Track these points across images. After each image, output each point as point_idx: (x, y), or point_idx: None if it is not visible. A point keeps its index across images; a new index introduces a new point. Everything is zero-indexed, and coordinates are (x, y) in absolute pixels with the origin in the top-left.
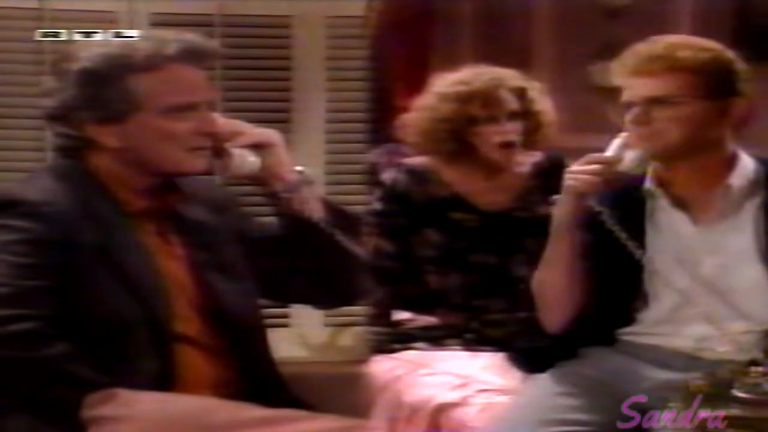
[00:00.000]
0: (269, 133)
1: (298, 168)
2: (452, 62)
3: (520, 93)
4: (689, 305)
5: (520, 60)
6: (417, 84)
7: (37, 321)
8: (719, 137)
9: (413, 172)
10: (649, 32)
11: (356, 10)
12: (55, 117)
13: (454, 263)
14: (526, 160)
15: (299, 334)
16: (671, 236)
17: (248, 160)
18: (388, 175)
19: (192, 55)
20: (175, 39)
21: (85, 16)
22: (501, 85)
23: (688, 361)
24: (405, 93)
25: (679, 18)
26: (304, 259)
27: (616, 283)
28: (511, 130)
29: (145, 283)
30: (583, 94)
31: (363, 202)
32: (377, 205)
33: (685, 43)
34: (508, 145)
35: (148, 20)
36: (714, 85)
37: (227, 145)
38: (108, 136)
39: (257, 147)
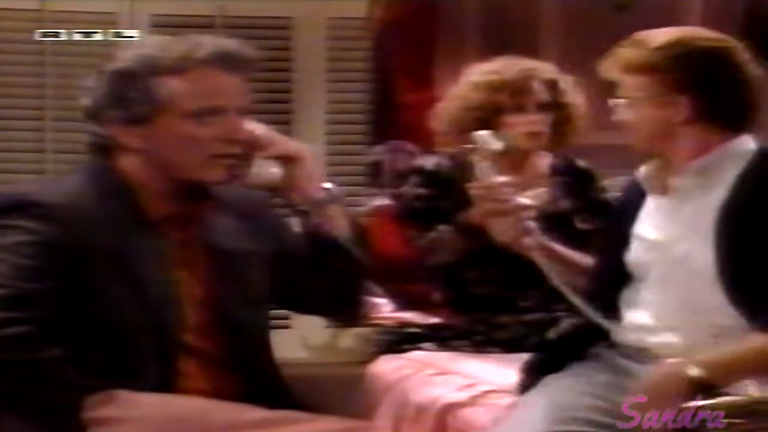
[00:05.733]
0: (298, 147)
1: (326, 185)
2: (457, 58)
3: (552, 85)
4: (663, 296)
5: (526, 56)
6: (421, 80)
7: (32, 324)
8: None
9: (453, 158)
10: (659, 26)
11: (357, 11)
12: (89, 116)
13: (492, 257)
14: (543, 161)
15: (300, 336)
16: (653, 221)
17: (267, 171)
18: (426, 161)
19: (224, 61)
20: (209, 43)
21: (86, 17)
22: (532, 76)
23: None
24: (408, 89)
25: (689, 12)
26: (323, 275)
27: (614, 282)
28: (539, 121)
29: (155, 291)
30: (591, 90)
31: (363, 203)
32: (417, 191)
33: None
34: (534, 135)
35: (148, 21)
36: None
37: (257, 154)
38: (132, 138)
39: (285, 159)
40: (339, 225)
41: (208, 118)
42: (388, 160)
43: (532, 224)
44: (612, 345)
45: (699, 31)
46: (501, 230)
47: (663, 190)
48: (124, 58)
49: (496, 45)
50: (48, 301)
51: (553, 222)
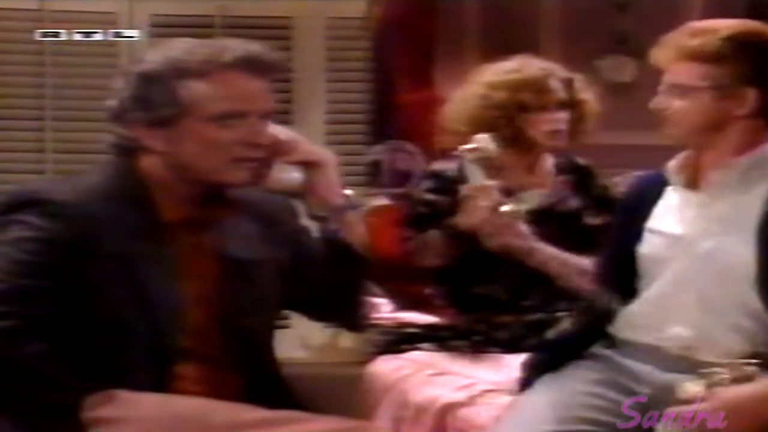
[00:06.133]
0: (322, 153)
1: (347, 191)
2: (456, 58)
3: (568, 83)
4: (679, 291)
5: (526, 55)
6: (420, 80)
7: (20, 319)
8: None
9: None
10: (659, 25)
11: (356, 10)
12: (113, 116)
13: (495, 257)
14: (549, 160)
15: (299, 336)
16: (676, 216)
17: (287, 176)
18: (444, 165)
19: (250, 65)
20: (235, 47)
21: (86, 17)
22: (551, 75)
23: (679, 361)
24: (408, 89)
25: (689, 10)
26: (336, 281)
27: (622, 277)
28: (560, 119)
29: (156, 295)
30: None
31: (362, 202)
32: (430, 196)
33: None
34: (556, 134)
35: (148, 21)
36: None
37: (280, 159)
38: (155, 140)
39: (307, 164)
40: (356, 232)
41: (231, 121)
42: (388, 160)
43: (523, 227)
44: (612, 344)
45: (755, 23)
46: (490, 233)
47: (692, 185)
48: (150, 60)
49: (496, 45)
50: (42, 299)
51: (564, 220)
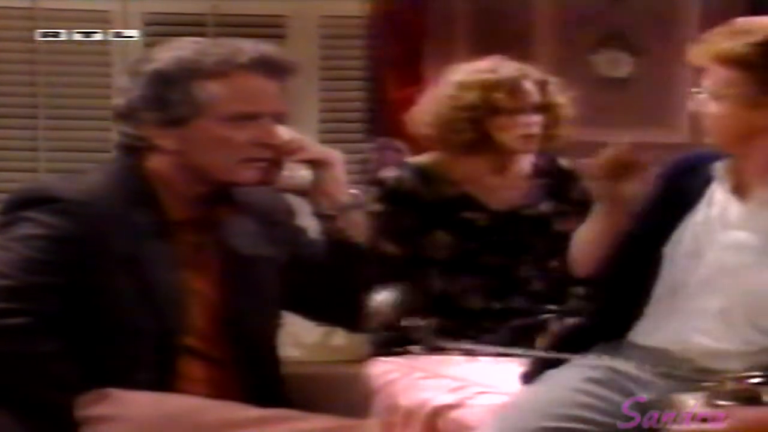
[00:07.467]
0: (328, 152)
1: (353, 191)
2: (447, 53)
3: (542, 86)
4: (703, 300)
5: (519, 50)
6: (409, 76)
7: (30, 317)
8: None
9: (418, 171)
10: (655, 20)
11: (350, 9)
12: (120, 115)
13: (464, 265)
14: (526, 161)
15: (292, 334)
16: (717, 220)
17: (296, 175)
18: (389, 174)
19: (264, 66)
20: (249, 48)
21: (80, 15)
22: (526, 76)
23: (687, 369)
24: (397, 86)
25: (686, 5)
26: (341, 282)
27: (636, 275)
28: (534, 122)
29: (162, 294)
30: (586, 85)
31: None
32: (378, 206)
33: None
34: (529, 138)
35: (142, 20)
36: None
37: (287, 159)
38: (167, 139)
39: (314, 163)
40: (362, 231)
41: (245, 122)
42: (376, 158)
43: None
44: (617, 344)
45: None
46: None
47: (738, 191)
48: (161, 60)
49: (487, 40)
50: (51, 296)
51: (531, 225)
